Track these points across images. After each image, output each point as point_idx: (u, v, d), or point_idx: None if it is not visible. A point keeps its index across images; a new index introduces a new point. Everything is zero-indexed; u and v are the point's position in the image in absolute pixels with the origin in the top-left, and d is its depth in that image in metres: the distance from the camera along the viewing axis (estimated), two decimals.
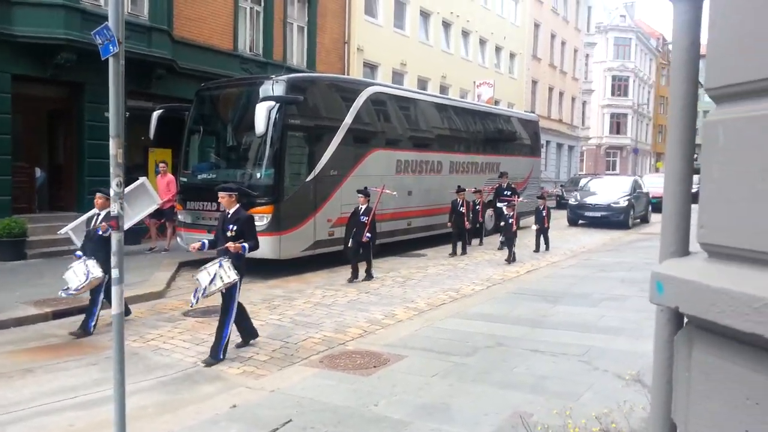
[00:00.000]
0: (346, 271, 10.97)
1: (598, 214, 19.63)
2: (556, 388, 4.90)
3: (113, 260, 3.46)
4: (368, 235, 10.07)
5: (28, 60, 12.29)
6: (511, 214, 12.54)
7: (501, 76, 32.62)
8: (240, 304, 6.27)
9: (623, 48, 57.32)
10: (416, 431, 4.15)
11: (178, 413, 4.62)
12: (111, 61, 3.28)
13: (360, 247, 10.18)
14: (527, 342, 6.30)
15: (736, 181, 1.60)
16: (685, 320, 1.94)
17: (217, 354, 5.98)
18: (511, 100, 32.62)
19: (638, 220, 21.12)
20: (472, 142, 17.00)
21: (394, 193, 11.70)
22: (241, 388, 5.10)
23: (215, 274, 5.90)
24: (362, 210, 10.21)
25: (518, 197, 14.21)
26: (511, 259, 12.27)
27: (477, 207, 14.75)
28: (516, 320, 7.28)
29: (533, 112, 27.88)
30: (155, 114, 11.57)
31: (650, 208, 22.64)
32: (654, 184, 27.67)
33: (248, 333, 6.50)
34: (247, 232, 6.30)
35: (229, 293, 6.06)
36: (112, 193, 3.35)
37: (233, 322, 6.13)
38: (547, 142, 36.16)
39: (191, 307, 7.04)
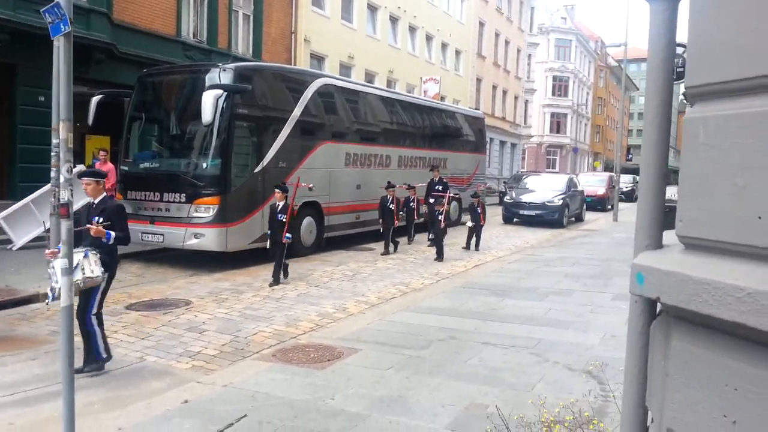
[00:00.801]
0: (295, 264, 10.86)
1: (532, 212, 19.38)
2: (510, 380, 4.99)
3: (62, 250, 3.28)
4: (288, 235, 9.15)
5: None
6: (440, 210, 12.07)
7: (447, 73, 32.96)
8: (100, 315, 5.43)
9: (564, 49, 58.93)
10: (374, 424, 4.13)
11: (128, 409, 4.45)
12: (61, 40, 3.11)
13: (277, 247, 9.23)
14: (479, 335, 6.38)
15: (715, 176, 1.64)
16: (658, 309, 2.00)
17: (94, 358, 5.27)
18: (456, 97, 33.00)
19: (573, 219, 21.02)
20: (420, 137, 17.11)
21: (311, 185, 11.02)
22: (192, 383, 4.96)
23: (77, 264, 4.89)
24: (279, 207, 9.31)
25: (449, 192, 13.86)
26: (440, 256, 11.84)
27: (411, 204, 14.03)
28: (467, 313, 7.37)
29: (478, 110, 28.29)
30: (94, 99, 11.08)
31: (584, 207, 22.72)
32: (588, 182, 28.02)
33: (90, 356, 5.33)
34: (116, 222, 5.39)
35: (87, 294, 5.26)
36: (61, 179, 3.17)
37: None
38: (491, 140, 36.78)
39: (47, 304, 5.79)
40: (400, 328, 6.64)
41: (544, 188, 20.35)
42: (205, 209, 10.01)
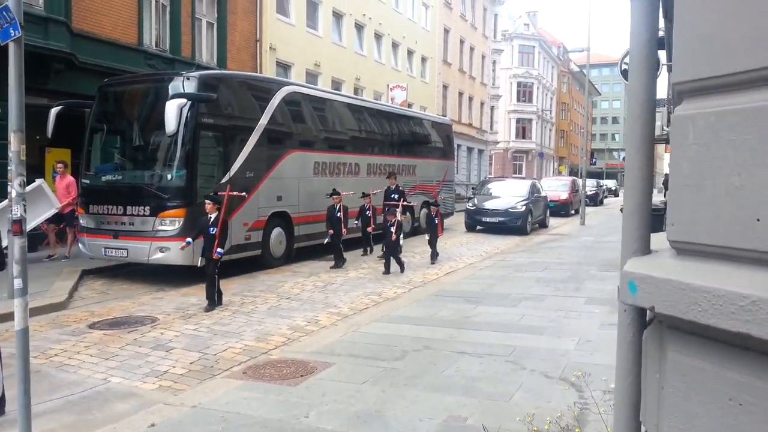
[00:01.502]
0: (264, 276, 10.66)
1: (495, 219, 18.64)
2: (488, 390, 4.90)
3: (15, 269, 3.07)
4: (219, 250, 8.24)
5: None
6: (393, 221, 11.22)
7: (413, 80, 33.04)
8: None
9: (527, 55, 59.78)
10: None
11: None
12: (11, 46, 2.92)
13: (209, 264, 8.27)
14: (454, 344, 6.29)
15: (709, 177, 1.56)
16: (648, 318, 1.92)
17: None
18: (423, 104, 33.10)
19: (537, 225, 20.45)
20: (389, 144, 17.05)
21: (243, 194, 10.18)
22: (159, 405, 4.74)
23: None
24: (211, 220, 8.37)
25: (404, 200, 13.15)
26: (386, 270, 10.98)
27: (367, 212, 13.00)
28: (440, 322, 7.27)
29: (445, 116, 28.41)
30: (53, 110, 10.71)
31: (548, 213, 22.18)
32: (551, 187, 27.71)
33: None
34: None
35: None
36: (13, 194, 2.97)
37: None
38: (459, 146, 36.97)
39: None
40: (373, 339, 6.51)
41: (507, 194, 19.77)
42: (171, 222, 9.74)
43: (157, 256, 9.74)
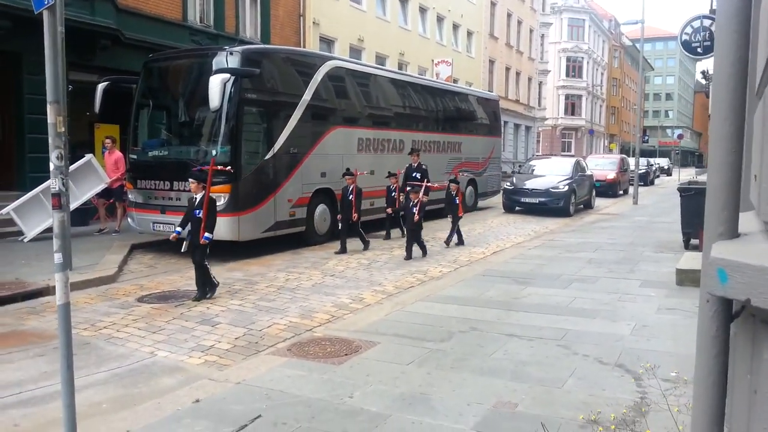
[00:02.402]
0: (309, 253, 10.63)
1: (535, 200, 17.44)
2: (538, 375, 4.71)
3: (55, 243, 3.03)
4: (206, 236, 7.28)
5: None
6: (415, 201, 10.41)
7: (459, 55, 32.42)
8: None
9: (577, 29, 57.97)
10: (396, 425, 3.87)
11: (137, 409, 4.22)
12: (46, 15, 2.82)
13: (197, 250, 7.37)
14: (502, 326, 6.10)
15: None
16: (735, 310, 1.71)
17: None
18: (468, 79, 32.49)
19: (581, 206, 19.12)
20: (433, 120, 16.75)
21: (228, 167, 9.40)
22: (203, 380, 4.72)
23: None
24: (196, 201, 7.44)
25: (427, 181, 11.93)
26: (407, 255, 10.18)
27: (393, 194, 12.43)
28: (488, 303, 7.08)
29: (491, 92, 27.80)
30: (100, 86, 10.83)
31: (594, 193, 20.75)
32: (598, 165, 25.93)
33: None
34: None
35: None
36: (51, 167, 2.91)
37: None
38: (505, 123, 36.27)
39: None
40: (419, 319, 6.37)
41: (549, 173, 18.55)
42: (216, 197, 9.75)
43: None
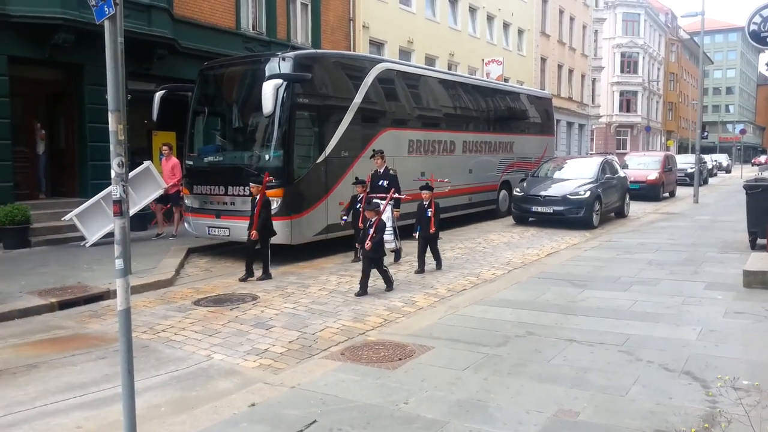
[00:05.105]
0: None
1: (549, 209, 14.45)
2: (600, 382, 4.53)
3: (116, 249, 3.08)
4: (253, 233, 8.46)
5: (24, 41, 11.87)
6: (371, 220, 7.97)
7: (509, 54, 31.99)
8: None
9: (632, 24, 56.43)
10: None
11: (194, 412, 4.27)
12: (107, 24, 2.87)
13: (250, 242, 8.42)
14: (560, 330, 5.92)
15: None
16: None
17: None
18: (520, 78, 32.02)
19: (612, 215, 16.41)
20: (485, 120, 16.55)
21: (270, 178, 9.24)
22: (259, 384, 4.74)
23: None
24: (254, 201, 8.78)
25: (395, 191, 9.65)
26: (360, 291, 7.77)
27: (358, 205, 9.58)
28: (544, 306, 6.89)
29: (543, 90, 27.30)
30: (158, 95, 11.13)
31: (627, 198, 17.29)
32: (640, 164, 23.05)
33: None
34: None
35: None
36: (113, 174, 2.96)
37: None
38: (558, 121, 35.58)
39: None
40: (473, 323, 6.26)
41: (568, 176, 15.50)
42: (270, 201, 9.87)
43: None
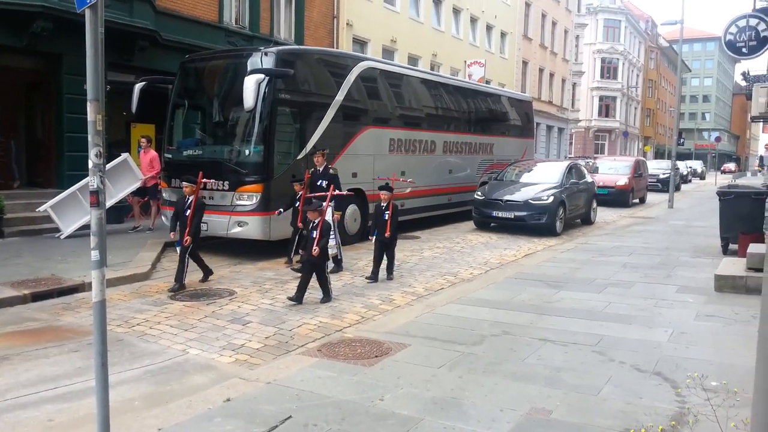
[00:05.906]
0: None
1: (510, 214, 13.74)
2: (573, 381, 4.60)
3: (92, 241, 3.05)
4: (186, 239, 7.85)
5: (1, 29, 11.63)
6: (314, 222, 7.33)
7: (492, 56, 32.17)
8: None
9: (613, 30, 57.12)
10: (427, 429, 3.82)
11: (169, 407, 4.24)
12: (88, 13, 2.84)
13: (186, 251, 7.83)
14: (535, 330, 5.99)
15: None
16: None
17: None
18: (501, 81, 32.21)
19: (578, 221, 15.73)
20: (466, 121, 16.64)
21: (212, 180, 9.23)
22: (234, 379, 4.73)
23: None
24: (187, 202, 7.99)
25: (335, 189, 8.69)
26: (295, 297, 7.11)
27: (297, 204, 9.16)
28: (520, 306, 6.97)
29: (524, 93, 27.52)
30: (137, 86, 11.00)
31: (594, 204, 16.66)
32: (610, 169, 22.61)
33: None
34: None
35: None
36: (90, 164, 2.93)
37: None
38: (538, 124, 35.87)
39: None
40: (450, 321, 6.30)
41: (533, 180, 14.87)
42: (248, 197, 9.83)
43: (236, 230, 9.88)
